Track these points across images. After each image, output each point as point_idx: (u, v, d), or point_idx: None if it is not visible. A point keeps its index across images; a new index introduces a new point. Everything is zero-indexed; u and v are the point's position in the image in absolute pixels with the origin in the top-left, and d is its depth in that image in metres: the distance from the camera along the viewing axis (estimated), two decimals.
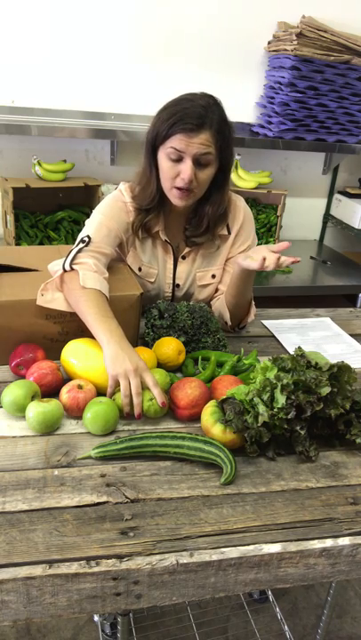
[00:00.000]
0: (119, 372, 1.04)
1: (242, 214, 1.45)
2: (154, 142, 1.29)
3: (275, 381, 0.99)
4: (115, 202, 1.39)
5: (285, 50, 2.28)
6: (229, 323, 1.45)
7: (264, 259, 1.18)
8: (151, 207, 1.36)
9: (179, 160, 1.25)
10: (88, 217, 1.43)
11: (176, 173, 1.26)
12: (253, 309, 1.47)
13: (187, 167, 1.24)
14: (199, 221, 1.39)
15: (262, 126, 2.49)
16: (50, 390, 1.10)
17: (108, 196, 1.43)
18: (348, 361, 1.08)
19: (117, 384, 1.06)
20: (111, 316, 1.15)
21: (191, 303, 1.35)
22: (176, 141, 1.23)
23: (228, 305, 1.42)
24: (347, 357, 1.39)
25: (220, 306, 1.45)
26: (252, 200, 2.62)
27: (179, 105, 1.24)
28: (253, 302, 1.48)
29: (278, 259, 1.18)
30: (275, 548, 0.81)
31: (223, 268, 1.49)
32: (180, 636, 1.73)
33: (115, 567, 0.76)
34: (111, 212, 1.38)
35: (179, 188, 1.28)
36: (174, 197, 1.31)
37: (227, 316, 1.44)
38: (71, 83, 2.34)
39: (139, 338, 1.34)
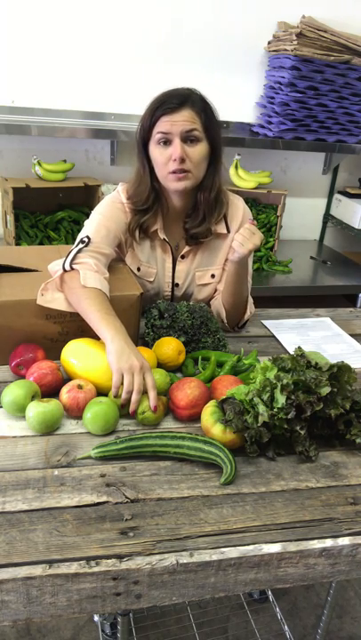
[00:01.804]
0: (124, 368, 1.04)
1: (241, 213, 1.45)
2: (143, 137, 1.31)
3: (275, 381, 0.99)
4: (113, 203, 1.39)
5: (285, 50, 2.28)
6: (225, 322, 1.45)
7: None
8: (147, 207, 1.36)
9: (168, 143, 1.27)
10: (88, 217, 1.43)
11: (168, 158, 1.27)
12: (251, 307, 1.47)
13: (176, 147, 1.26)
14: (196, 211, 1.39)
15: (262, 126, 2.49)
16: (50, 390, 1.10)
17: (106, 197, 1.43)
18: (348, 361, 1.08)
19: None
20: (114, 315, 1.15)
21: (191, 303, 1.35)
22: (161, 125, 1.25)
23: (225, 304, 1.43)
24: (347, 357, 1.39)
25: (218, 305, 1.46)
26: (252, 200, 2.62)
27: (159, 95, 1.28)
28: (252, 300, 1.48)
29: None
30: (275, 548, 0.81)
31: (222, 268, 1.49)
32: (180, 635, 1.73)
33: (115, 567, 0.76)
34: (110, 212, 1.38)
35: (174, 172, 1.28)
36: (172, 182, 1.31)
37: (223, 315, 1.44)
38: (71, 83, 2.34)
39: (139, 338, 1.34)
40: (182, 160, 1.26)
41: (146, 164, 1.34)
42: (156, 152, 1.29)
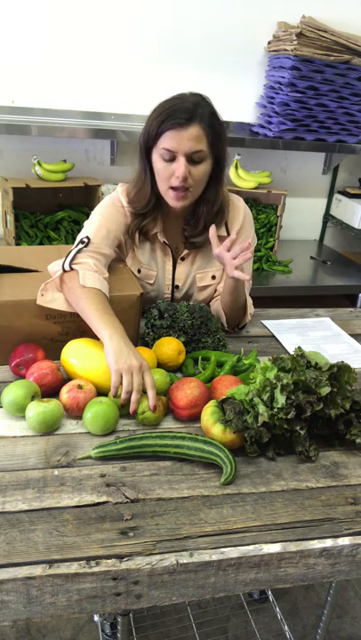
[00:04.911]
0: (123, 368, 1.04)
1: (242, 215, 1.45)
2: (146, 144, 1.29)
3: (275, 381, 0.99)
4: (113, 204, 1.39)
5: (285, 50, 2.28)
6: (226, 325, 1.45)
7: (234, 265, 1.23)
8: (147, 211, 1.36)
9: (172, 160, 1.25)
10: (88, 217, 1.43)
11: (171, 173, 1.26)
12: (250, 309, 1.47)
13: (180, 165, 1.24)
14: (196, 221, 1.39)
15: (262, 126, 2.49)
16: (50, 390, 1.10)
17: (106, 198, 1.43)
18: (348, 361, 1.08)
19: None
20: (113, 314, 1.15)
21: (191, 303, 1.35)
22: (167, 140, 1.23)
23: (224, 308, 1.42)
24: (347, 357, 1.39)
25: (218, 306, 1.45)
26: (252, 200, 2.62)
27: (168, 103, 1.25)
28: (251, 302, 1.47)
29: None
30: (275, 548, 0.81)
31: (223, 269, 1.48)
32: (180, 635, 1.73)
33: (115, 567, 0.76)
34: (109, 213, 1.38)
35: (174, 189, 1.28)
36: (171, 199, 1.30)
37: (223, 319, 1.44)
38: (71, 83, 2.34)
39: (139, 338, 1.34)
40: (185, 179, 1.25)
41: (147, 170, 1.32)
42: (159, 164, 1.27)
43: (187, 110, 1.22)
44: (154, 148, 1.27)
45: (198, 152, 1.24)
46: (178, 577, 0.78)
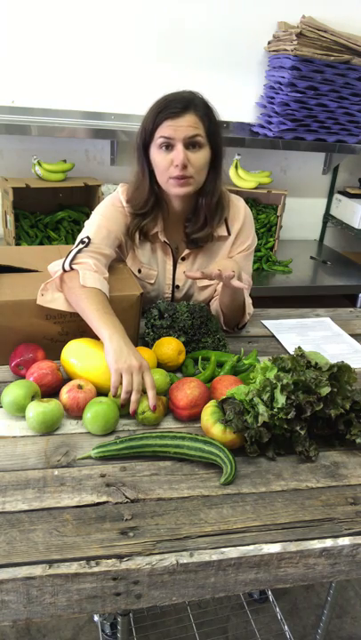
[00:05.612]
0: (123, 368, 1.04)
1: (242, 214, 1.45)
2: (144, 141, 1.29)
3: (275, 381, 0.99)
4: (113, 204, 1.39)
5: (285, 50, 2.28)
6: (224, 326, 1.45)
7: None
8: (147, 211, 1.36)
9: (170, 148, 1.26)
10: (88, 217, 1.43)
11: (170, 162, 1.26)
12: (249, 309, 1.47)
13: (178, 152, 1.24)
14: (196, 216, 1.39)
15: (262, 126, 2.49)
16: (50, 390, 1.10)
17: (106, 198, 1.43)
18: (348, 361, 1.08)
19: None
20: (113, 314, 1.15)
21: (191, 303, 1.35)
22: (164, 129, 1.24)
23: (223, 309, 1.42)
24: (347, 357, 1.39)
25: (217, 307, 1.45)
26: (252, 200, 2.62)
27: (161, 99, 1.27)
28: (250, 302, 1.47)
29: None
30: (275, 548, 0.81)
31: None
32: (180, 635, 1.73)
33: (115, 567, 0.76)
34: (110, 213, 1.38)
35: (175, 178, 1.28)
36: (173, 187, 1.30)
37: (221, 320, 1.44)
38: (71, 83, 2.34)
39: (139, 338, 1.34)
40: (184, 166, 1.25)
41: (146, 168, 1.32)
42: (157, 156, 1.28)
43: (182, 100, 1.24)
44: (151, 142, 1.28)
45: (195, 137, 1.25)
46: (178, 577, 0.78)
